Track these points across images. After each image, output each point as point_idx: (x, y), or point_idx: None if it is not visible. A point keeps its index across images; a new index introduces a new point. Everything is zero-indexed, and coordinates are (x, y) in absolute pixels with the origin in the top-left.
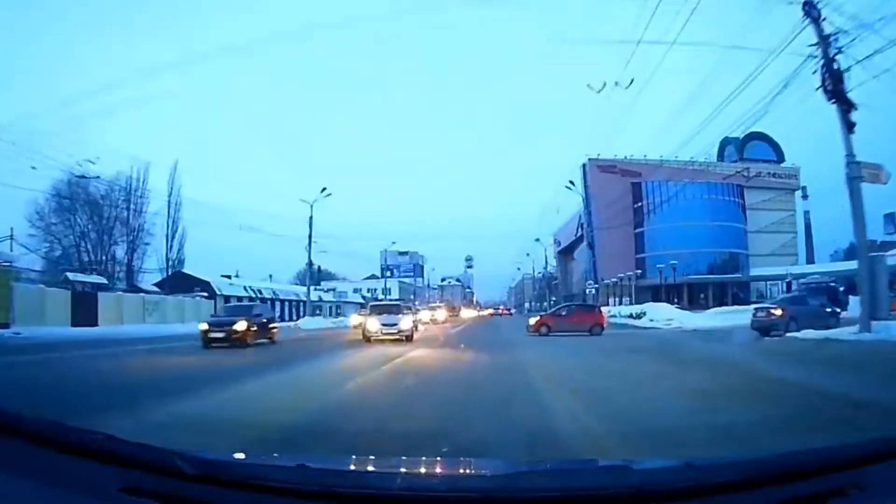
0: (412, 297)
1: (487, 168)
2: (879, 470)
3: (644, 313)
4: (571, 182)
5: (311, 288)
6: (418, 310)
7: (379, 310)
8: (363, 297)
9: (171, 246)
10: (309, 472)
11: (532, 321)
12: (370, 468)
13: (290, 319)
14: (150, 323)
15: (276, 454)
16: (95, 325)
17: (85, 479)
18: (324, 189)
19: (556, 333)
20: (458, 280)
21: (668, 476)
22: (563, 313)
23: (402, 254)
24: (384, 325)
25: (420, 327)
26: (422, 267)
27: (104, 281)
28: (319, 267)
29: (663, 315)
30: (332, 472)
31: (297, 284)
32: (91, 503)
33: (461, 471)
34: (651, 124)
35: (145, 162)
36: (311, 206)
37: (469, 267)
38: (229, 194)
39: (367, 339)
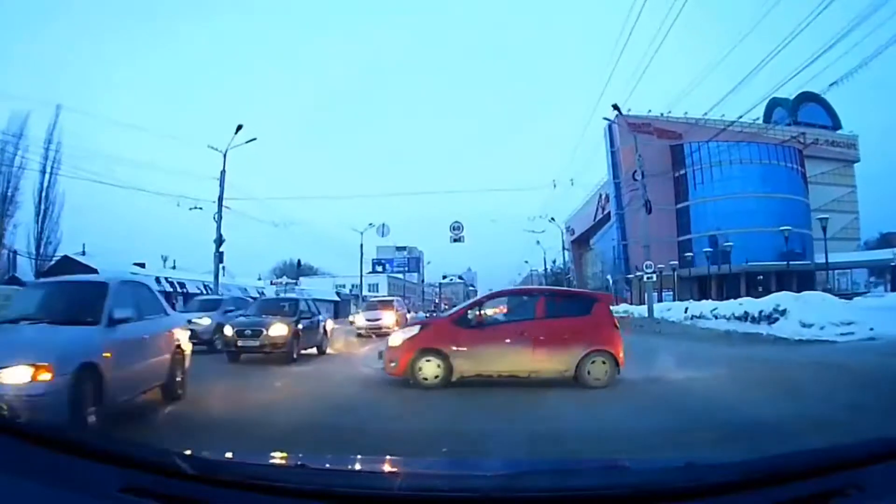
0: (402, 294)
1: (491, 158)
2: (879, 470)
3: (783, 311)
4: (616, 106)
5: (267, 282)
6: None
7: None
8: (338, 295)
9: (43, 220)
10: (309, 472)
11: (396, 341)
12: (370, 468)
13: None
14: None
15: (276, 454)
16: None
17: (85, 479)
18: (239, 127)
19: (474, 378)
20: (460, 278)
21: (668, 476)
22: (501, 319)
23: (399, 248)
24: None
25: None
26: (417, 260)
27: None
28: (300, 261)
29: (826, 314)
30: (332, 472)
31: (267, 281)
32: (91, 503)
33: (461, 471)
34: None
35: (24, 110)
36: (224, 155)
37: (457, 240)
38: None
39: None
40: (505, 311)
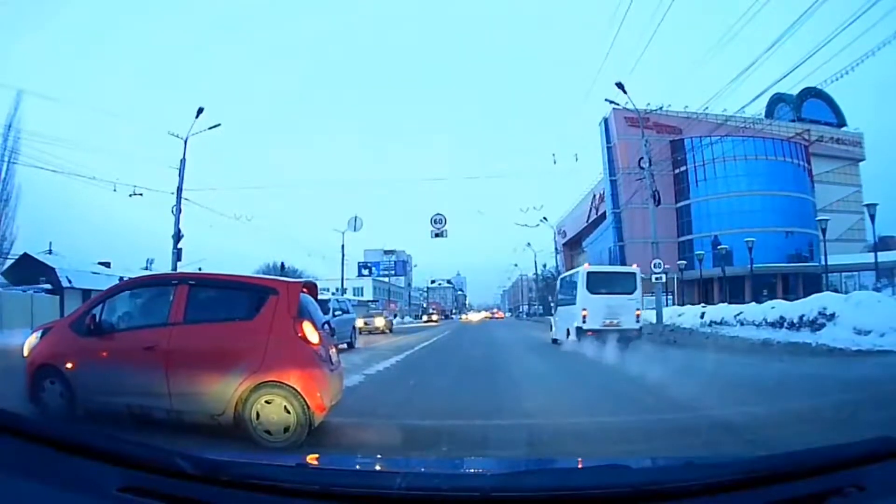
0: (387, 298)
1: (479, 166)
2: (879, 470)
3: (831, 315)
4: (620, 85)
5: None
6: None
7: None
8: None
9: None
10: (309, 471)
11: (25, 352)
12: (370, 468)
13: None
14: None
15: (275, 454)
16: None
17: (85, 478)
18: (200, 110)
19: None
20: (448, 282)
21: (668, 475)
22: (135, 324)
23: (387, 252)
24: None
25: None
26: (405, 263)
27: None
28: (283, 263)
29: (884, 318)
30: (332, 471)
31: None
32: (91, 503)
33: (461, 471)
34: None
35: None
36: (185, 142)
37: (438, 234)
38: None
39: None
40: (148, 310)
